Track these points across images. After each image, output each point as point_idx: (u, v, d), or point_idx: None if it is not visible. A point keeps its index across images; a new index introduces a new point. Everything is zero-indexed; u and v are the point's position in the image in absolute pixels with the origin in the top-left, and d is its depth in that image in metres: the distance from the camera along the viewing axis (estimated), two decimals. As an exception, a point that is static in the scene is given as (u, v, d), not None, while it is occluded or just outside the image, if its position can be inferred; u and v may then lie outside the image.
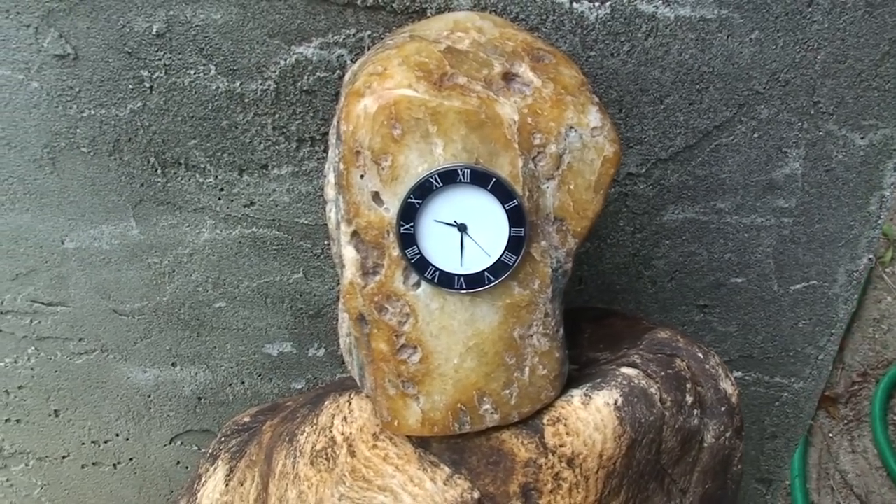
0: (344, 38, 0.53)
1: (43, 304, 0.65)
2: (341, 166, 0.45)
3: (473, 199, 0.45)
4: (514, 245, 0.46)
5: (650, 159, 0.59)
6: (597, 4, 0.53)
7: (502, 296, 0.47)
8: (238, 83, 0.54)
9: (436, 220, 0.46)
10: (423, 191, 0.44)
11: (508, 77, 0.46)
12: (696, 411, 0.53)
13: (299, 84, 0.54)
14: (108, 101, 0.54)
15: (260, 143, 0.57)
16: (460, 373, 0.49)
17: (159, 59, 0.53)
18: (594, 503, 0.51)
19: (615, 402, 0.51)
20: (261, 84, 0.54)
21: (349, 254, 0.47)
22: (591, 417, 0.51)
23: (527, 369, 0.49)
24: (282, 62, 0.53)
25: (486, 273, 0.46)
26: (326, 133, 0.56)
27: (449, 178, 0.44)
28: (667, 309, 0.69)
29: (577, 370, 0.56)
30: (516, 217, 0.45)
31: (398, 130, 0.44)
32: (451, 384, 0.49)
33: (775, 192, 0.62)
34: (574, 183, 0.47)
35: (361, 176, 0.45)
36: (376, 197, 0.45)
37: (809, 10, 0.54)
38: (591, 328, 0.61)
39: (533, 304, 0.48)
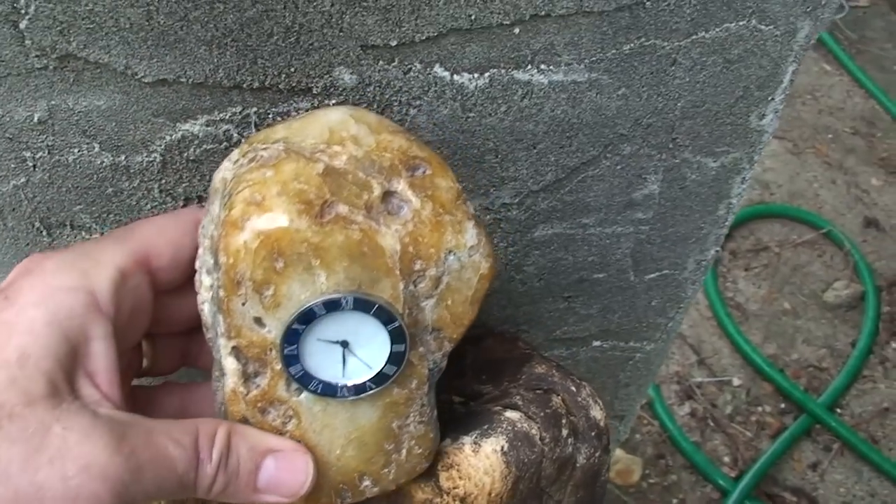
0: (230, 116, 0.53)
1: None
2: (221, 293, 0.45)
3: (356, 321, 0.47)
4: (395, 359, 0.48)
5: (523, 192, 0.63)
6: (476, 76, 0.55)
7: (382, 396, 0.50)
8: (123, 157, 0.54)
9: (319, 339, 0.47)
10: (307, 318, 0.46)
11: (388, 196, 0.47)
12: (570, 440, 0.60)
13: (186, 155, 0.55)
14: (-10, 178, 0.54)
15: (147, 203, 0.57)
16: (342, 461, 0.51)
17: (42, 142, 0.52)
18: (484, 529, 0.58)
19: (502, 448, 0.57)
20: (146, 156, 0.54)
21: (230, 364, 0.47)
22: (480, 463, 0.56)
23: (404, 451, 0.53)
24: (167, 138, 0.54)
25: (367, 382, 0.49)
26: (213, 192, 0.57)
27: (332, 306, 0.46)
28: (535, 301, 0.74)
29: (464, 404, 0.61)
30: (397, 335, 0.47)
31: (280, 264, 0.44)
32: (333, 470, 0.51)
33: (634, 207, 0.67)
34: (452, 299, 0.49)
35: (243, 304, 0.45)
36: (258, 321, 0.46)
37: (672, 68, 0.58)
38: (472, 352, 0.66)
39: (410, 400, 0.51)
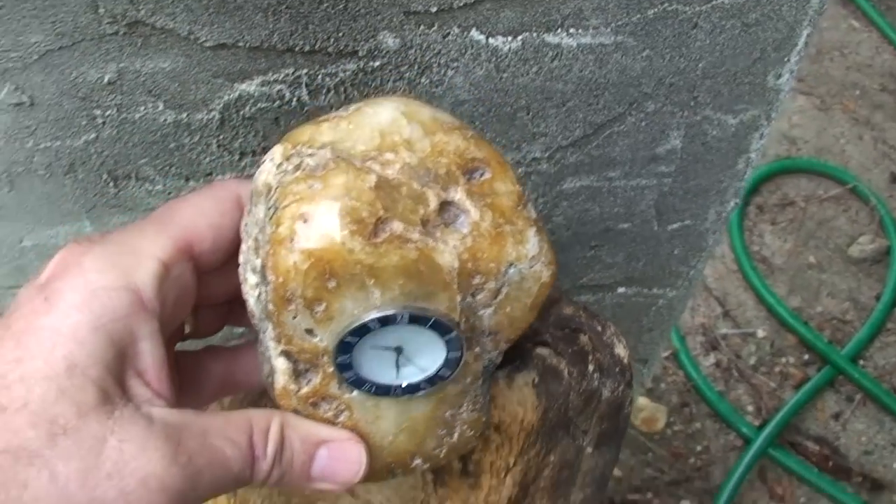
0: (283, 77, 0.58)
1: (3, 288, 0.71)
2: (270, 306, 0.44)
3: (412, 332, 0.46)
4: (450, 364, 0.48)
5: (552, 147, 0.68)
6: (509, 39, 0.59)
7: (436, 391, 0.50)
8: (185, 114, 0.59)
9: (373, 347, 0.46)
10: (361, 332, 0.45)
11: (444, 206, 0.45)
12: (596, 375, 0.65)
13: (242, 112, 0.60)
14: (63, 134, 0.59)
15: (206, 158, 0.62)
16: (394, 445, 0.51)
17: (111, 101, 0.57)
18: (517, 454, 0.63)
19: (533, 381, 0.62)
20: (206, 114, 0.59)
21: (281, 364, 0.46)
22: (514, 395, 0.62)
23: (456, 434, 0.53)
24: (225, 97, 0.58)
25: (421, 383, 0.48)
26: (266, 147, 0.62)
27: (387, 321, 0.44)
28: (564, 250, 0.79)
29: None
30: (454, 345, 0.47)
31: (333, 283, 0.43)
32: (385, 453, 0.51)
33: (658, 161, 0.72)
34: (511, 307, 0.48)
35: (294, 317, 0.44)
36: (310, 332, 0.45)
37: (693, 31, 0.62)
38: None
39: (464, 393, 0.51)
